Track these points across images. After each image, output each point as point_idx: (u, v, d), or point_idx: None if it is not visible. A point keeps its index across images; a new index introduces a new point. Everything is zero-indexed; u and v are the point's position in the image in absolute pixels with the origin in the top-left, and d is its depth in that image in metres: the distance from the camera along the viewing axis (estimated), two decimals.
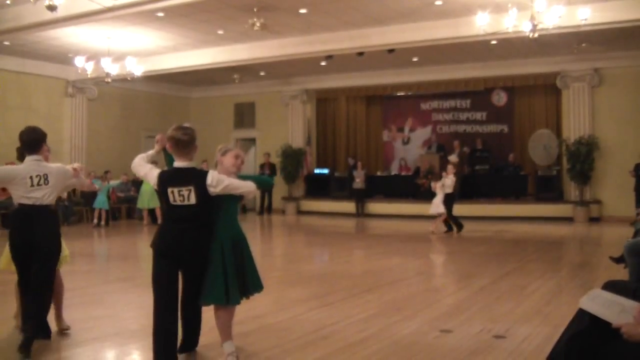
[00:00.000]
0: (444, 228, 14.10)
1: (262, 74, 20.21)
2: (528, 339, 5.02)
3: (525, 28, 11.05)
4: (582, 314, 3.20)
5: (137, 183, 17.38)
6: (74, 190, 17.78)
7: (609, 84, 17.24)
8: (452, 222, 14.02)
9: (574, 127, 17.41)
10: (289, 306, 6.44)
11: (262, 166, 20.49)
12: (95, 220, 16.13)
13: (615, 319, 2.92)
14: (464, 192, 18.42)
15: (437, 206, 13.79)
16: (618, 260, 8.30)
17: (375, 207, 19.42)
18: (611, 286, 3.40)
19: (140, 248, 12.96)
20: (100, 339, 5.21)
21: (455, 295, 7.08)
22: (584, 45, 15.59)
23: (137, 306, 6.57)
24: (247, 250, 4.62)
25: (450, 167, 14.33)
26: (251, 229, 15.45)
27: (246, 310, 6.26)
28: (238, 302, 4.57)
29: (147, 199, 16.42)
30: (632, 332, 2.79)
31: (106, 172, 17.59)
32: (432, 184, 14.37)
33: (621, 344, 2.84)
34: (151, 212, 16.85)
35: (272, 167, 20.46)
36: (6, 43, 15.49)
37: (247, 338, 5.18)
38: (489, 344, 4.91)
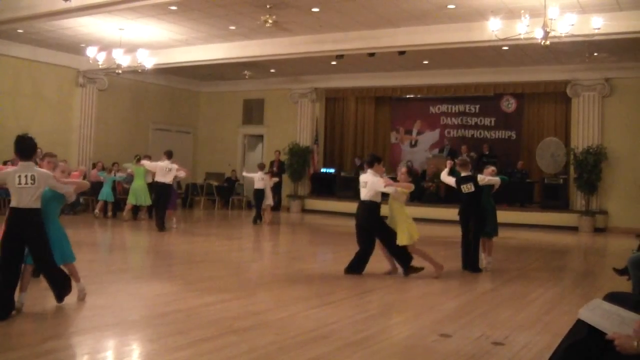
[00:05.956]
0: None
1: (272, 71, 20.23)
2: (527, 347, 5.01)
3: (537, 35, 10.98)
4: (580, 324, 3.15)
5: None
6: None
7: (619, 94, 17.14)
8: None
9: (583, 136, 17.34)
10: (289, 304, 6.44)
11: (271, 164, 20.46)
12: (97, 212, 15.82)
13: (614, 330, 2.86)
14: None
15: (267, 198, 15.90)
16: (622, 272, 8.26)
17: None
18: (613, 297, 3.35)
19: (143, 240, 12.98)
20: (100, 328, 5.22)
21: (457, 299, 7.07)
22: (596, 54, 15.53)
23: (138, 297, 6.59)
24: None
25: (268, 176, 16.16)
26: (257, 227, 15.46)
27: (245, 305, 6.29)
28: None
29: (137, 196, 15.28)
30: (625, 345, 2.72)
31: (114, 164, 17.46)
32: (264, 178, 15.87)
33: (617, 356, 2.79)
34: (149, 209, 15.87)
35: (281, 165, 20.45)
36: (20, 31, 15.56)
37: (245, 334, 5.17)
38: (487, 350, 4.90)
